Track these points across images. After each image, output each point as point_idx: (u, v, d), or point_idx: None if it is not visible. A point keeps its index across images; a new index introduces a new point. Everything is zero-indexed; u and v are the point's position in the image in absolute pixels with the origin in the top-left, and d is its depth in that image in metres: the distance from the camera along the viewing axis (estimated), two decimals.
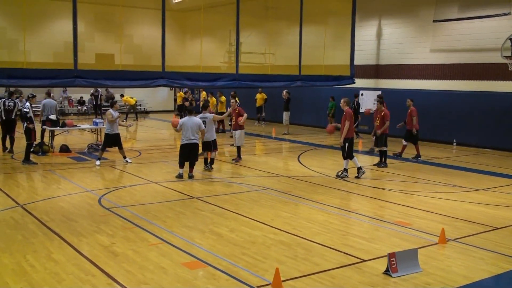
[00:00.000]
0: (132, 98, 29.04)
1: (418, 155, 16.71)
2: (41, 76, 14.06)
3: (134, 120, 28.88)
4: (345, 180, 13.27)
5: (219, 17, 18.03)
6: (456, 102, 20.42)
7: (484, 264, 7.43)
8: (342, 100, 13.59)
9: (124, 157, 15.22)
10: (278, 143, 21.12)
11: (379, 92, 22.02)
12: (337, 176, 13.61)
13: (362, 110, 21.92)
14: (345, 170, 13.59)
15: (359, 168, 13.48)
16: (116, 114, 14.79)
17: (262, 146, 20.36)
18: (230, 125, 21.86)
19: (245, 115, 15.82)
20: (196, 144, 13.15)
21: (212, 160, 14.32)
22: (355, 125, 19.00)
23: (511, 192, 12.37)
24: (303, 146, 19.69)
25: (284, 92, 23.75)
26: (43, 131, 17.36)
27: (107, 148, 15.35)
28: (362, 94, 23.44)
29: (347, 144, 13.33)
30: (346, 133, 13.25)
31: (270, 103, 26.44)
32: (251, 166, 14.99)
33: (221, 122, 21.98)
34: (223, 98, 22.79)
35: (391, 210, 10.44)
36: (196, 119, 13.14)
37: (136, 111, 29.85)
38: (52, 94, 19.35)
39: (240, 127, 15.74)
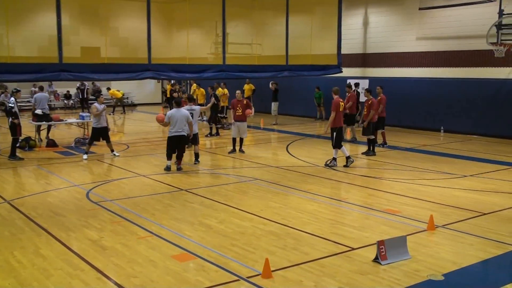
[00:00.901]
0: (119, 91, 28.83)
1: (384, 142, 16.82)
2: (26, 71, 13.92)
3: (122, 113, 28.70)
4: (334, 169, 13.29)
5: (205, 8, 17.87)
6: (442, 90, 20.49)
7: (472, 249, 7.47)
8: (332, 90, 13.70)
9: (112, 151, 15.12)
10: (267, 133, 21.11)
11: (367, 81, 22.08)
12: (326, 165, 13.63)
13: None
14: (334, 159, 13.61)
15: (347, 157, 13.50)
16: (101, 107, 14.66)
17: (251, 137, 20.31)
18: (223, 117, 21.84)
19: (253, 108, 15.78)
20: (184, 136, 13.06)
21: (197, 154, 14.22)
22: (357, 114, 19.08)
23: (498, 177, 12.46)
24: (292, 136, 19.69)
25: (271, 84, 23.69)
26: (38, 126, 17.43)
27: (95, 142, 15.24)
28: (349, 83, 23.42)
29: (335, 133, 13.33)
30: (332, 122, 13.26)
31: (258, 94, 26.38)
32: (240, 157, 14.97)
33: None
34: (225, 91, 22.25)
35: (380, 198, 10.47)
36: (184, 111, 13.04)
37: (123, 104, 29.64)
38: (45, 88, 19.37)
39: (245, 119, 15.42)
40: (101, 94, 15.96)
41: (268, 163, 14.26)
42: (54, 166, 13.81)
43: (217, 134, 19.69)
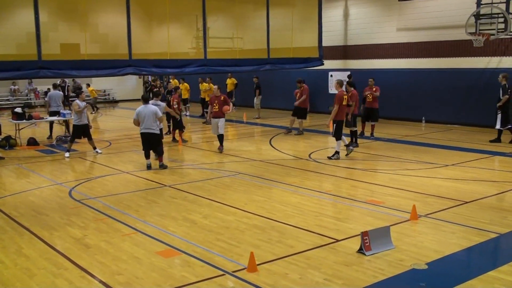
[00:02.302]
0: (96, 91, 28.37)
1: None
2: (4, 69, 13.78)
3: (92, 112, 28.17)
4: (317, 162, 13.34)
5: (185, 2, 17.79)
6: (423, 80, 20.64)
7: (455, 238, 7.56)
8: (334, 82, 13.85)
9: (94, 148, 15.00)
10: (250, 127, 21.09)
11: (349, 73, 22.14)
12: (346, 155, 13.71)
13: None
14: (337, 152, 13.63)
15: (336, 152, 13.51)
16: (82, 104, 14.53)
17: (234, 131, 20.30)
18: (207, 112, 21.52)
19: (231, 104, 15.33)
20: (155, 134, 12.57)
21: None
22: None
23: (479, 166, 12.61)
24: (275, 130, 19.71)
25: (254, 78, 23.68)
26: (51, 122, 17.79)
27: (76, 140, 15.10)
28: (331, 76, 23.52)
29: (335, 125, 13.46)
30: (334, 115, 13.34)
31: (240, 88, 26.34)
32: (224, 152, 14.94)
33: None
34: (211, 85, 21.83)
35: (363, 190, 10.54)
36: (152, 107, 12.57)
37: (95, 104, 28.90)
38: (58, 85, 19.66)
39: (223, 115, 14.90)
40: (82, 91, 15.80)
41: (251, 157, 14.26)
42: (35, 164, 13.66)
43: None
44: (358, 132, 16.50)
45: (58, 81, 29.13)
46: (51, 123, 18.13)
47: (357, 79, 18.90)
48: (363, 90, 17.26)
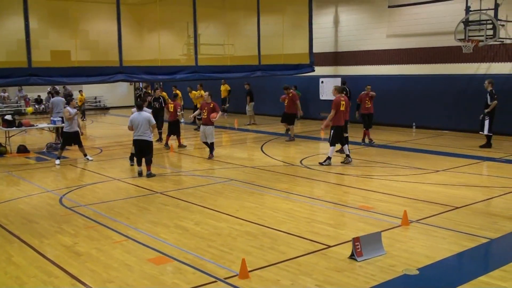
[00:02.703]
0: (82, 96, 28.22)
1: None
2: None
3: (82, 119, 28.01)
4: (309, 168, 13.36)
5: (176, 9, 17.81)
6: (413, 86, 20.78)
7: (445, 243, 7.59)
8: (332, 88, 14.03)
9: (85, 155, 14.93)
10: (241, 133, 21.11)
11: (339, 79, 22.24)
12: (341, 162, 13.77)
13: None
14: (347, 155, 13.75)
15: (328, 157, 13.55)
16: (73, 111, 14.48)
17: (226, 137, 20.31)
18: (199, 119, 21.55)
19: (220, 112, 15.17)
20: (147, 141, 12.44)
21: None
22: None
23: (469, 172, 12.69)
24: (266, 136, 19.73)
25: (245, 84, 23.73)
26: (57, 129, 17.54)
27: (67, 147, 15.04)
28: (322, 82, 23.62)
29: (332, 131, 13.54)
30: (331, 120, 13.42)
31: (232, 94, 26.37)
32: (215, 158, 14.92)
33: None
34: (202, 92, 21.77)
35: (354, 195, 10.57)
36: (146, 114, 12.52)
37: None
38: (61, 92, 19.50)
39: (212, 123, 14.70)
40: (73, 98, 15.76)
41: (242, 163, 14.26)
42: (25, 172, 13.58)
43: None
44: (367, 141, 16.79)
45: (48, 88, 29.15)
46: (58, 129, 17.64)
47: (347, 85, 19.00)
48: (358, 96, 17.31)
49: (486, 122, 15.72)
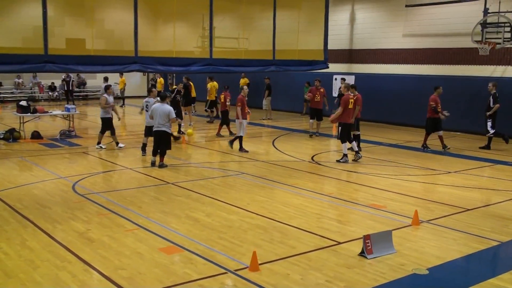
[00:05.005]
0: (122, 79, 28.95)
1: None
2: (10, 61, 13.79)
3: (121, 106, 28.59)
4: (320, 164, 13.37)
5: (192, 1, 17.82)
6: (428, 87, 20.51)
7: (455, 244, 7.59)
8: (342, 85, 14.23)
9: (117, 143, 15.21)
10: (253, 128, 21.10)
11: (353, 77, 22.18)
12: (353, 160, 13.75)
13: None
14: (357, 152, 13.80)
15: (344, 155, 13.56)
16: (111, 99, 14.75)
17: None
18: (212, 111, 21.97)
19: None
20: (165, 132, 12.50)
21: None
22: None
23: (481, 174, 12.65)
24: (278, 131, 19.75)
25: (265, 78, 23.75)
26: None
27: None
28: (335, 79, 23.55)
29: (340, 128, 13.62)
30: (337, 117, 13.47)
31: (250, 89, 26.32)
32: (227, 151, 14.97)
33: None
34: (214, 83, 22.08)
35: (365, 193, 10.57)
36: (167, 107, 12.52)
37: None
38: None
39: (246, 117, 15.11)
40: (111, 85, 16.00)
41: (254, 157, 14.29)
42: (38, 158, 13.70)
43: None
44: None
45: (63, 75, 29.33)
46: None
47: (361, 83, 18.94)
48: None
49: (489, 124, 15.79)
